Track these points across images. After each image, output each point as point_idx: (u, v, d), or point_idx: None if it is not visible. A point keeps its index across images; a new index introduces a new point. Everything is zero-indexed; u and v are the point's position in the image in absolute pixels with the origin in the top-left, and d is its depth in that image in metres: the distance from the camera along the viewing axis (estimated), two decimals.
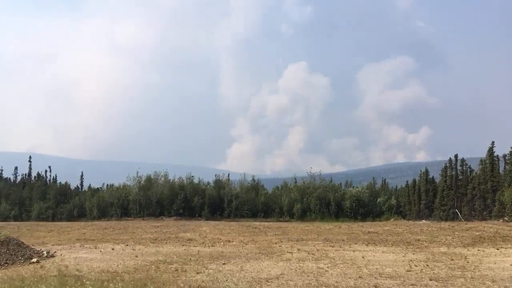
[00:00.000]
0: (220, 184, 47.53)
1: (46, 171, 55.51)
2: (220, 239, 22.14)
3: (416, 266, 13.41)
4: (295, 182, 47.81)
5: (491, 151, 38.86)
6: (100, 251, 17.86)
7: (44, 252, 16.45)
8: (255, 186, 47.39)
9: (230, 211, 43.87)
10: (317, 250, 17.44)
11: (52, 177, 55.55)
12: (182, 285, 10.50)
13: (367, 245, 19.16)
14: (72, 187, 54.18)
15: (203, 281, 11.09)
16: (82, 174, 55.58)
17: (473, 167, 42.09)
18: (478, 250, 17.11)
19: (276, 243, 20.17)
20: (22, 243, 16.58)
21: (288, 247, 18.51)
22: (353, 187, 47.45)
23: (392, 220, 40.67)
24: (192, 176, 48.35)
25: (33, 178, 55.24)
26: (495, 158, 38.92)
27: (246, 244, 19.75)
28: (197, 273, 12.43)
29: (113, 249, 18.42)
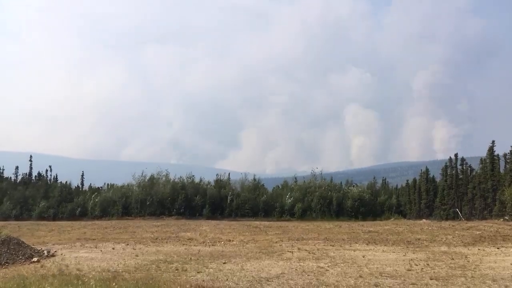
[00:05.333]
0: (221, 184, 47.55)
1: (46, 170, 55.54)
2: (221, 238, 22.14)
3: (417, 265, 13.41)
4: (296, 181, 47.83)
5: (491, 150, 38.80)
6: (101, 250, 17.89)
7: (45, 252, 16.48)
8: (256, 186, 47.39)
9: (231, 210, 43.84)
10: (318, 249, 17.44)
11: (52, 177, 55.58)
12: (182, 284, 10.51)
13: (367, 244, 19.16)
14: (73, 186, 54.15)
15: (203, 280, 11.11)
16: (82, 173, 55.52)
17: (473, 167, 42.05)
18: (479, 249, 17.11)
19: (276, 242, 20.17)
20: (23, 242, 16.60)
21: (289, 246, 18.52)
22: (353, 186, 47.44)
23: (392, 219, 40.62)
24: (193, 176, 48.43)
25: (33, 178, 55.25)
26: (496, 158, 38.88)
27: (246, 244, 19.76)
28: (198, 272, 12.45)
29: (113, 248, 18.45)
